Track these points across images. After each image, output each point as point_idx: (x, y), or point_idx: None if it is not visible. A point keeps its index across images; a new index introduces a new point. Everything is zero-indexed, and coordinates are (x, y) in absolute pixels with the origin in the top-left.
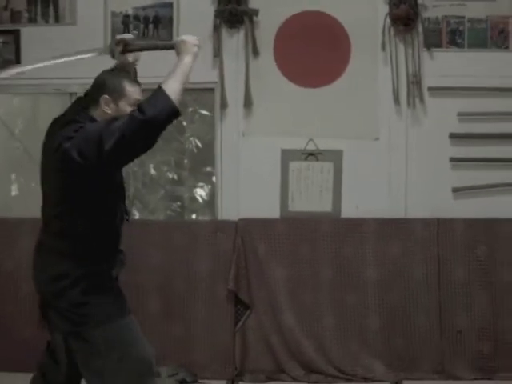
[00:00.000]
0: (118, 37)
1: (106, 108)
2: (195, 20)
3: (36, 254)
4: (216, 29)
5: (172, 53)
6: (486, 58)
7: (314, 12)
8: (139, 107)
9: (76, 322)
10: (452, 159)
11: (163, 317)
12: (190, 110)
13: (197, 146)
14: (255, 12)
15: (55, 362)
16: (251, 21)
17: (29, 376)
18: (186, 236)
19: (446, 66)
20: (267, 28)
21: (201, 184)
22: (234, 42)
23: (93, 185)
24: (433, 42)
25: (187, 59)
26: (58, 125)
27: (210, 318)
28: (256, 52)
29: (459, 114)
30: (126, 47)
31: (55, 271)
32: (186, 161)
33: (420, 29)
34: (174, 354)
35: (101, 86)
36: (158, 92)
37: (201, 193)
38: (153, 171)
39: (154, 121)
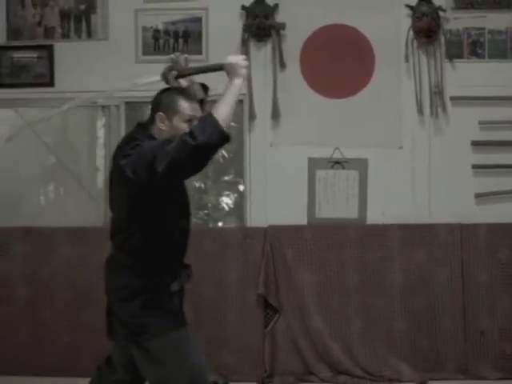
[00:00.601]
0: (171, 61)
1: (161, 125)
2: (224, 34)
3: (105, 265)
4: (244, 42)
5: None
6: (506, 68)
7: (338, 25)
8: (190, 132)
9: (135, 331)
10: (474, 166)
11: (195, 322)
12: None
13: (223, 156)
14: (282, 26)
15: (112, 369)
16: (278, 34)
17: (76, 380)
18: (216, 243)
19: (468, 76)
20: (294, 41)
21: (227, 192)
22: (261, 55)
23: (149, 201)
24: (454, 53)
25: (236, 82)
26: (122, 142)
27: (241, 322)
28: (283, 64)
29: (480, 123)
30: (179, 73)
31: (117, 282)
32: (211, 170)
33: (442, 40)
34: (206, 357)
35: (156, 104)
36: (208, 117)
37: (227, 201)
38: None
39: (204, 147)
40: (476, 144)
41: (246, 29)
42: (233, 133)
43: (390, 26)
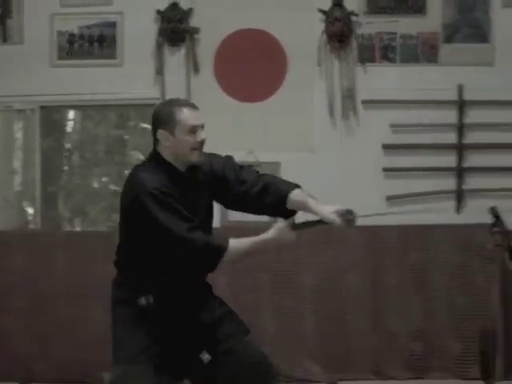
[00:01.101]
0: None
1: (165, 143)
2: (139, 38)
3: None
4: (158, 47)
5: None
6: (417, 72)
7: (252, 30)
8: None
9: None
10: (385, 169)
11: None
12: (132, 123)
13: (138, 159)
14: (196, 30)
15: None
16: (192, 38)
17: None
18: None
19: (379, 80)
20: (208, 45)
21: None
22: (175, 59)
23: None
24: (366, 57)
25: (271, 241)
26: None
27: None
28: (197, 68)
29: (391, 126)
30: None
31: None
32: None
33: (354, 44)
34: None
35: (155, 121)
36: (223, 244)
37: None
38: (95, 184)
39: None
40: (387, 147)
41: (161, 33)
42: (147, 135)
43: (303, 30)
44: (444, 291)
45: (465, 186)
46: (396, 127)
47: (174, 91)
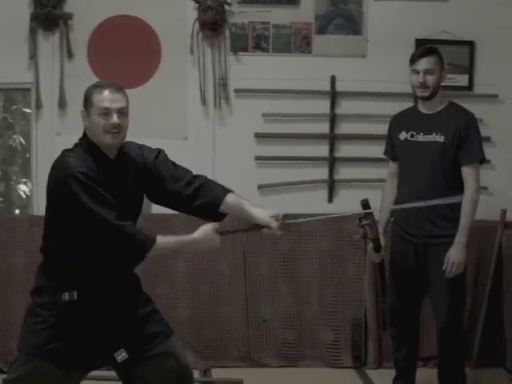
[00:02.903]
0: None
1: (85, 124)
2: (11, 22)
3: None
4: (32, 31)
5: None
6: (290, 62)
7: (126, 16)
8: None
9: None
10: (257, 157)
11: None
12: (14, 107)
13: (21, 143)
14: (69, 16)
15: None
16: (66, 24)
17: None
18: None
19: (252, 69)
20: (82, 31)
21: (24, 180)
22: (49, 44)
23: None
24: (239, 46)
25: (196, 243)
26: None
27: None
28: (71, 54)
29: (264, 115)
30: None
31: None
32: (10, 157)
33: (227, 34)
34: None
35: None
36: (150, 238)
37: (24, 189)
38: None
39: (126, 239)
40: (259, 136)
41: (34, 18)
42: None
43: (176, 18)
44: (315, 280)
45: (336, 176)
46: (268, 116)
47: (48, 76)
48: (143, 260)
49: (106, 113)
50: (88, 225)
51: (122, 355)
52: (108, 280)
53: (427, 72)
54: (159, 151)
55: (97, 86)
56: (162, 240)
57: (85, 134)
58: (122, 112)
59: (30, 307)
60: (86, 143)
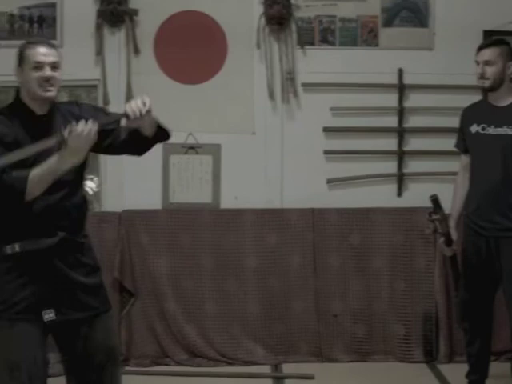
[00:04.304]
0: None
1: (19, 80)
2: (78, 19)
3: None
4: (98, 28)
5: None
6: (356, 56)
7: (192, 12)
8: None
9: None
10: (326, 152)
11: None
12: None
13: None
14: (135, 12)
15: None
16: (132, 20)
17: None
18: None
19: (319, 63)
20: (148, 27)
21: (91, 176)
22: (115, 40)
23: None
24: (306, 40)
25: (65, 166)
26: None
27: None
28: (137, 50)
29: (332, 109)
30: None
31: None
32: None
33: (293, 28)
34: None
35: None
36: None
37: (91, 185)
38: None
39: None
40: (327, 130)
41: (100, 14)
42: None
43: (242, 13)
44: (386, 274)
45: (405, 170)
46: (336, 110)
47: (114, 72)
48: (25, 198)
49: (39, 66)
50: None
51: (49, 315)
52: (46, 236)
53: (486, 63)
54: (97, 107)
55: (30, 42)
56: (33, 172)
57: (16, 92)
58: (55, 66)
59: None
60: (14, 100)
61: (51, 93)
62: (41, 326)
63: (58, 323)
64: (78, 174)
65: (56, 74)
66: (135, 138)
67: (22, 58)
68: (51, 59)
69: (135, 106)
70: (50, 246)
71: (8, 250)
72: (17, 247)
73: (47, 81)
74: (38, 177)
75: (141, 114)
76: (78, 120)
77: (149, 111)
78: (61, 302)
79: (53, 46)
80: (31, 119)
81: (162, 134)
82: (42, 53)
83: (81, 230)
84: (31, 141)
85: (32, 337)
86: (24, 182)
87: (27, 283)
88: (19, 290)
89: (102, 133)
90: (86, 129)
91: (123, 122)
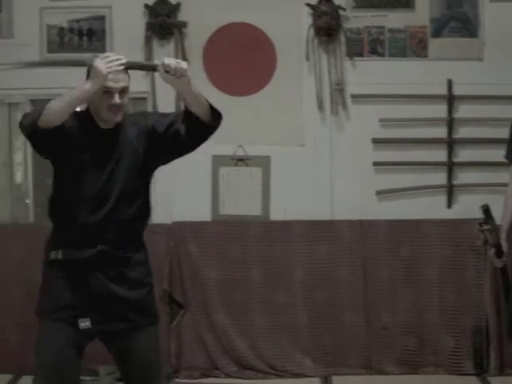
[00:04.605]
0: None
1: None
2: (127, 32)
3: None
4: (147, 40)
5: None
6: (406, 67)
7: (241, 23)
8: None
9: None
10: (375, 163)
11: None
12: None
13: None
14: (184, 24)
15: None
16: (180, 33)
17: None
18: None
19: (368, 74)
20: (196, 39)
21: None
22: (164, 52)
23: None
24: (355, 51)
25: (86, 87)
26: None
27: None
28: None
29: (381, 120)
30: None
31: None
32: None
33: (342, 39)
34: None
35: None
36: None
37: None
38: None
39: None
40: (377, 141)
41: (149, 27)
42: None
43: (291, 24)
44: (435, 285)
45: (455, 181)
46: (385, 121)
47: (164, 85)
48: (40, 120)
49: (109, 92)
50: None
51: (85, 323)
52: (86, 248)
53: None
54: (168, 113)
55: (98, 57)
56: (48, 104)
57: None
58: (124, 91)
59: (43, 271)
60: (85, 108)
61: (118, 118)
62: (79, 331)
63: (97, 332)
64: (136, 186)
65: (125, 99)
66: (190, 121)
67: (89, 71)
68: (121, 85)
69: (173, 60)
70: (88, 257)
71: (52, 255)
72: (60, 254)
73: (115, 107)
74: (57, 100)
75: (176, 70)
76: (141, 130)
77: (184, 70)
78: (98, 312)
79: (123, 70)
80: (95, 131)
81: (212, 114)
82: (113, 79)
83: (129, 245)
84: (91, 151)
85: (67, 337)
86: (42, 108)
87: (67, 289)
88: (60, 294)
89: (164, 131)
90: (114, 56)
91: (158, 72)
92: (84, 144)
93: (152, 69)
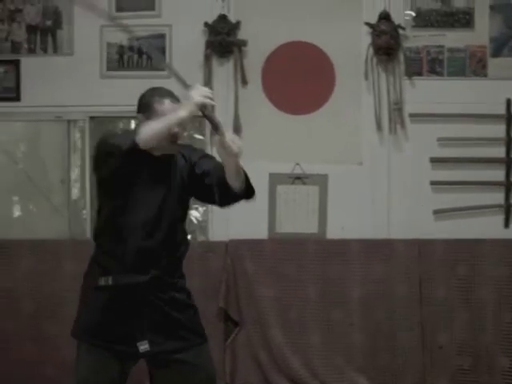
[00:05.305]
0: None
1: (140, 124)
2: (187, 50)
3: None
4: (207, 59)
5: None
6: (465, 86)
7: (300, 42)
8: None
9: None
10: (432, 182)
11: None
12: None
13: None
14: (243, 43)
15: None
16: (240, 51)
17: None
18: None
19: (427, 93)
20: (256, 58)
21: (195, 206)
22: (223, 71)
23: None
24: (414, 70)
25: (181, 113)
26: None
27: None
28: (245, 81)
29: (439, 139)
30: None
31: None
32: None
33: (401, 58)
34: None
35: (138, 104)
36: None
37: (195, 215)
38: None
39: (112, 148)
40: (435, 161)
41: (209, 45)
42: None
43: (350, 43)
44: (491, 305)
45: None
46: (444, 141)
47: (222, 103)
48: (138, 143)
49: None
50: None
51: (144, 346)
52: (139, 273)
53: None
54: (203, 152)
55: (158, 94)
56: (143, 128)
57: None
58: (181, 122)
59: (81, 291)
60: None
61: (174, 148)
62: (119, 359)
63: (154, 354)
64: (182, 212)
65: (181, 130)
66: (222, 186)
67: (148, 108)
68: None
69: (237, 139)
70: (141, 282)
71: (102, 281)
72: (110, 280)
73: (173, 137)
74: (151, 124)
75: (238, 148)
76: (187, 162)
77: (241, 152)
78: (153, 334)
79: (178, 100)
80: (149, 158)
81: (247, 191)
82: (171, 109)
83: (177, 270)
84: (145, 177)
85: (107, 366)
86: (137, 132)
87: (120, 317)
88: (106, 320)
89: (199, 176)
90: (208, 90)
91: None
92: (140, 170)
93: (219, 132)
